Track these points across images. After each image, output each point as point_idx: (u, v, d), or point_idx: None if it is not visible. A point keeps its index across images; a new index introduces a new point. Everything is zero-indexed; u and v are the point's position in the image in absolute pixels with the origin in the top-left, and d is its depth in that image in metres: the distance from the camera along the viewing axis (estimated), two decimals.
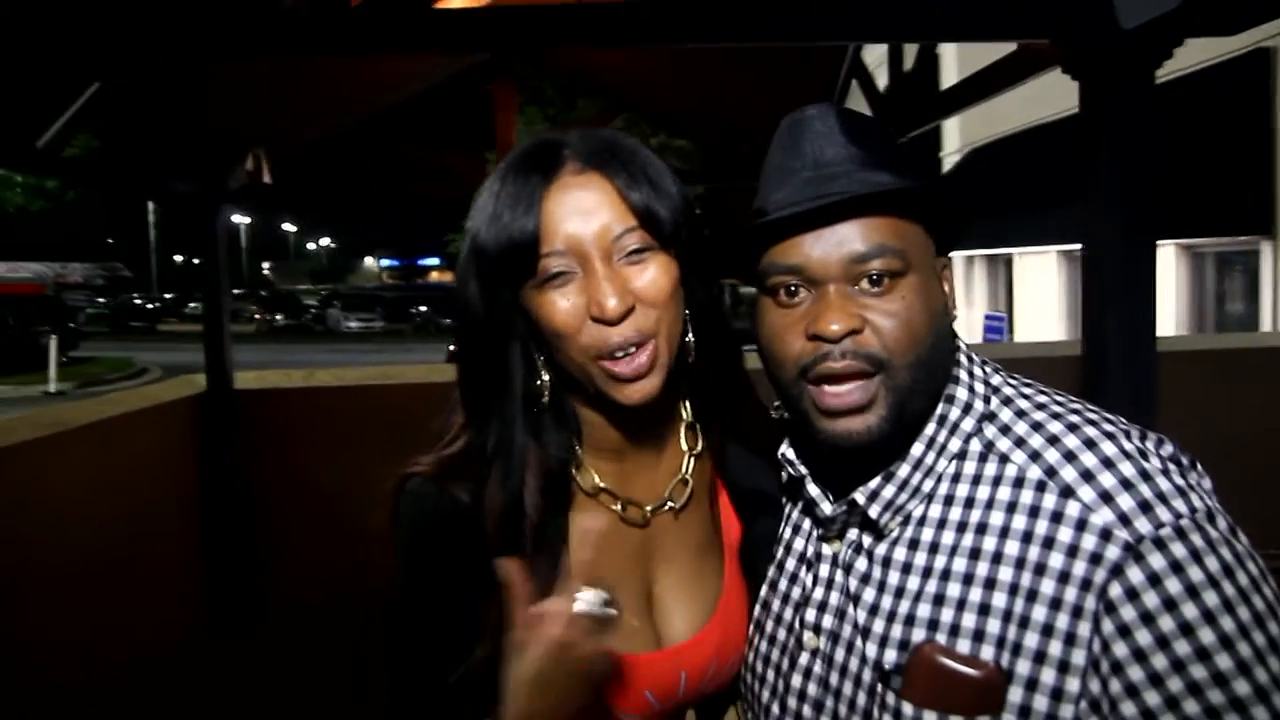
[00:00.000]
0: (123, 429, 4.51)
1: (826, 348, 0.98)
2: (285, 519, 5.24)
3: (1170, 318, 9.72)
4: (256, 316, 38.68)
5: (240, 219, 58.34)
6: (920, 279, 1.01)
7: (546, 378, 1.09)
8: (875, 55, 5.12)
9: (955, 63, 11.87)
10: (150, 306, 40.21)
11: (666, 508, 1.17)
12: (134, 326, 37.63)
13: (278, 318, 39.47)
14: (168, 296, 45.61)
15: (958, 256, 14.76)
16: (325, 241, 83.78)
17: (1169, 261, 9.68)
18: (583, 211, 1.01)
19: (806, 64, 4.93)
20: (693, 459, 1.20)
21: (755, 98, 4.75)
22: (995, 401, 1.05)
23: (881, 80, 4.48)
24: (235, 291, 44.57)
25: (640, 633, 1.13)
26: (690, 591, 1.18)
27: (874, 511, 1.03)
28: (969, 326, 14.35)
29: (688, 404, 1.21)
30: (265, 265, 76.27)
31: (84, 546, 3.92)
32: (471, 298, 1.06)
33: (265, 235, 75.72)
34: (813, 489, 1.10)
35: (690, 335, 1.12)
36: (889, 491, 1.03)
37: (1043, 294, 12.07)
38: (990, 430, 1.03)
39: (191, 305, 39.58)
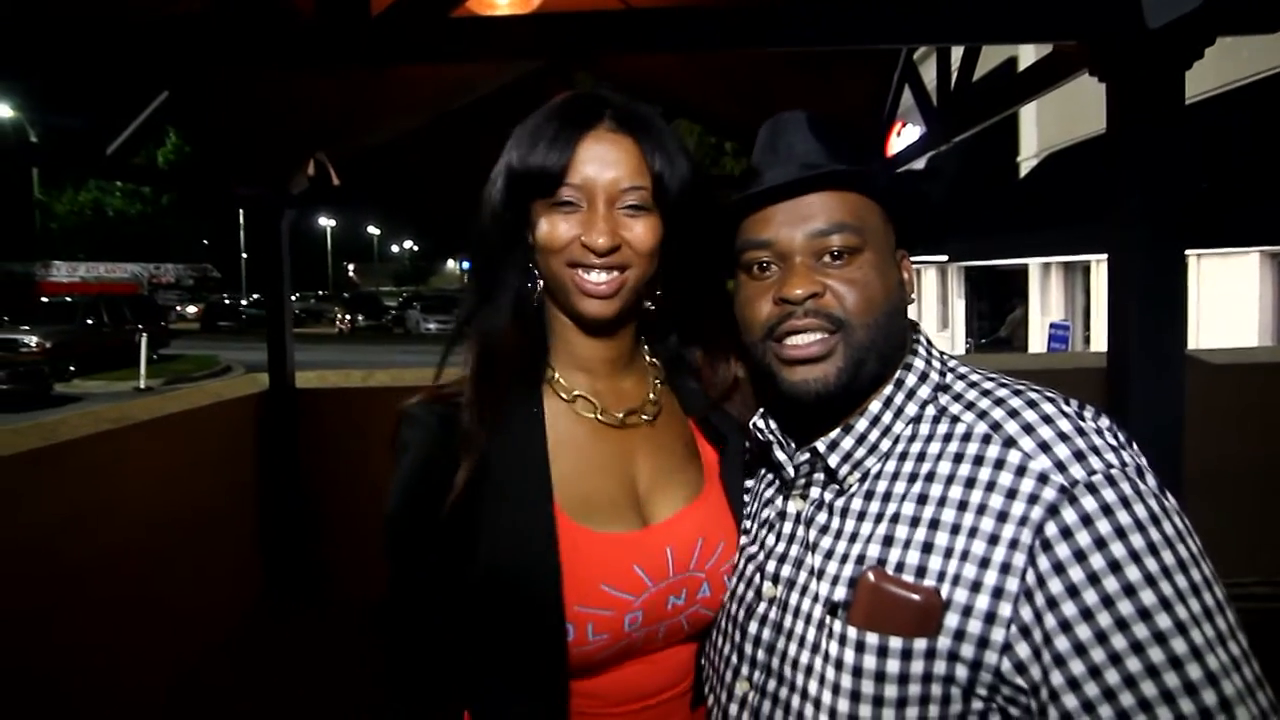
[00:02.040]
0: (186, 425, 4.68)
1: (790, 308, 1.11)
2: (340, 513, 5.36)
3: (1253, 327, 9.32)
4: (339, 321, 39.56)
5: (326, 222, 60.02)
6: (876, 257, 1.13)
7: (541, 283, 1.28)
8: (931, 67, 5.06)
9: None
10: (239, 306, 41.39)
11: (641, 418, 1.32)
12: (222, 326, 38.75)
13: (359, 319, 40.31)
14: (255, 296, 47.03)
15: (1034, 263, 14.42)
16: (408, 244, 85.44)
17: (1253, 269, 9.29)
18: (605, 161, 1.20)
19: (859, 68, 4.89)
20: (658, 383, 1.37)
21: (807, 102, 4.71)
22: (950, 376, 1.16)
23: (931, 83, 4.41)
24: (320, 293, 45.83)
25: (625, 515, 1.25)
26: (671, 483, 1.31)
27: (833, 461, 1.13)
28: (1044, 334, 14.00)
29: (647, 347, 1.40)
30: (350, 267, 78.08)
31: (146, 536, 4.09)
32: (495, 206, 1.25)
33: (351, 238, 77.61)
34: (780, 454, 1.20)
35: (659, 291, 1.31)
36: (848, 443, 1.13)
37: None
38: (944, 398, 1.13)
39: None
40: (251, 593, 5.30)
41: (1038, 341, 14.40)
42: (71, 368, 20.22)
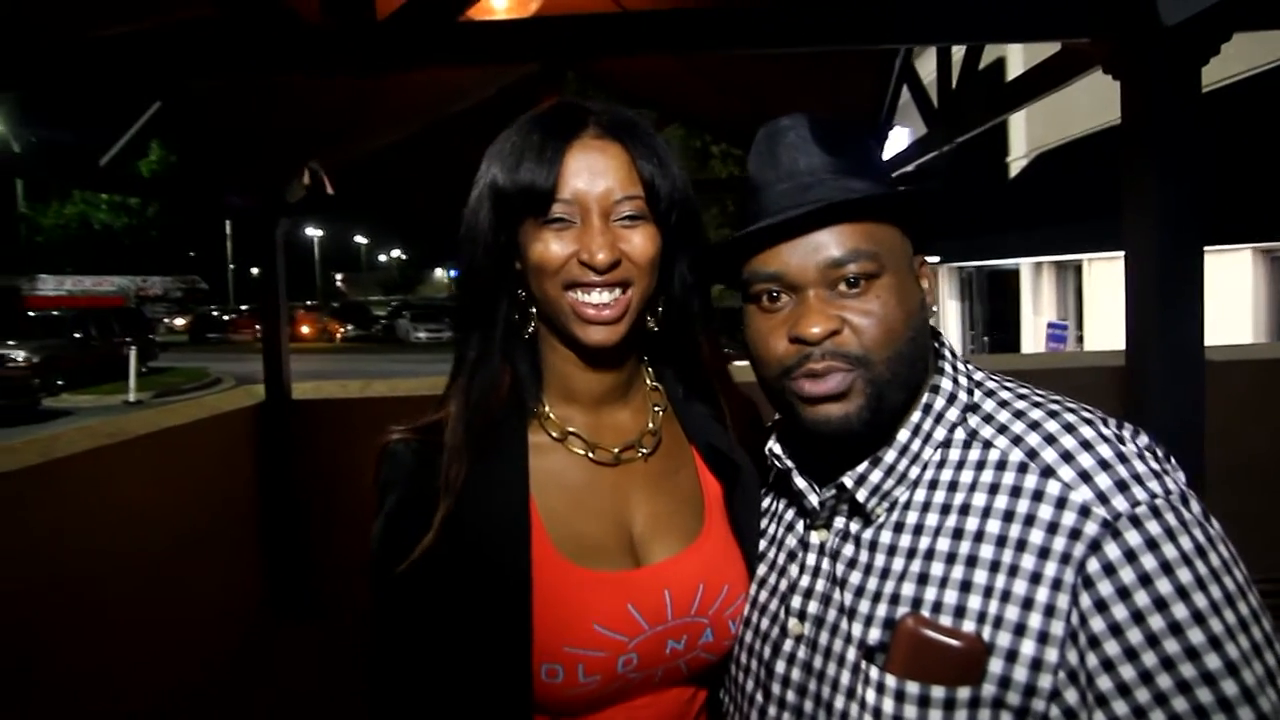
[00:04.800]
0: (184, 438, 4.64)
1: (808, 349, 1.03)
2: (339, 522, 5.31)
3: (1248, 323, 9.36)
4: (335, 330, 39.52)
5: (313, 232, 59.84)
6: (895, 279, 1.06)
7: (533, 310, 1.20)
8: (927, 62, 5.04)
9: (1020, 65, 11.65)
10: (226, 318, 41.26)
11: (637, 453, 1.24)
12: (210, 338, 38.63)
13: (348, 328, 40.21)
14: (243, 308, 46.81)
15: (1025, 263, 14.46)
16: (396, 253, 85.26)
17: (1245, 266, 9.33)
18: (594, 171, 1.13)
19: (857, 68, 4.87)
20: (660, 411, 1.29)
21: (802, 102, 4.70)
22: (979, 394, 1.10)
23: (931, 85, 4.40)
24: (309, 303, 45.69)
25: (618, 556, 1.18)
26: (669, 524, 1.23)
27: (861, 495, 1.07)
28: (1036, 333, 14.04)
29: (650, 369, 1.31)
30: (338, 277, 77.88)
31: (144, 550, 4.04)
32: (480, 231, 1.16)
33: (338, 248, 77.37)
34: (800, 481, 1.14)
35: (661, 308, 1.23)
36: (876, 476, 1.07)
37: (1114, 301, 11.70)
38: (974, 420, 1.07)
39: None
40: (251, 605, 5.24)
41: (1029, 341, 14.43)
42: (60, 382, 20.14)
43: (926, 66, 4.51)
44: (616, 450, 1.22)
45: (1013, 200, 13.85)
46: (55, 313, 25.33)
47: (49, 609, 3.38)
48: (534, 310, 1.20)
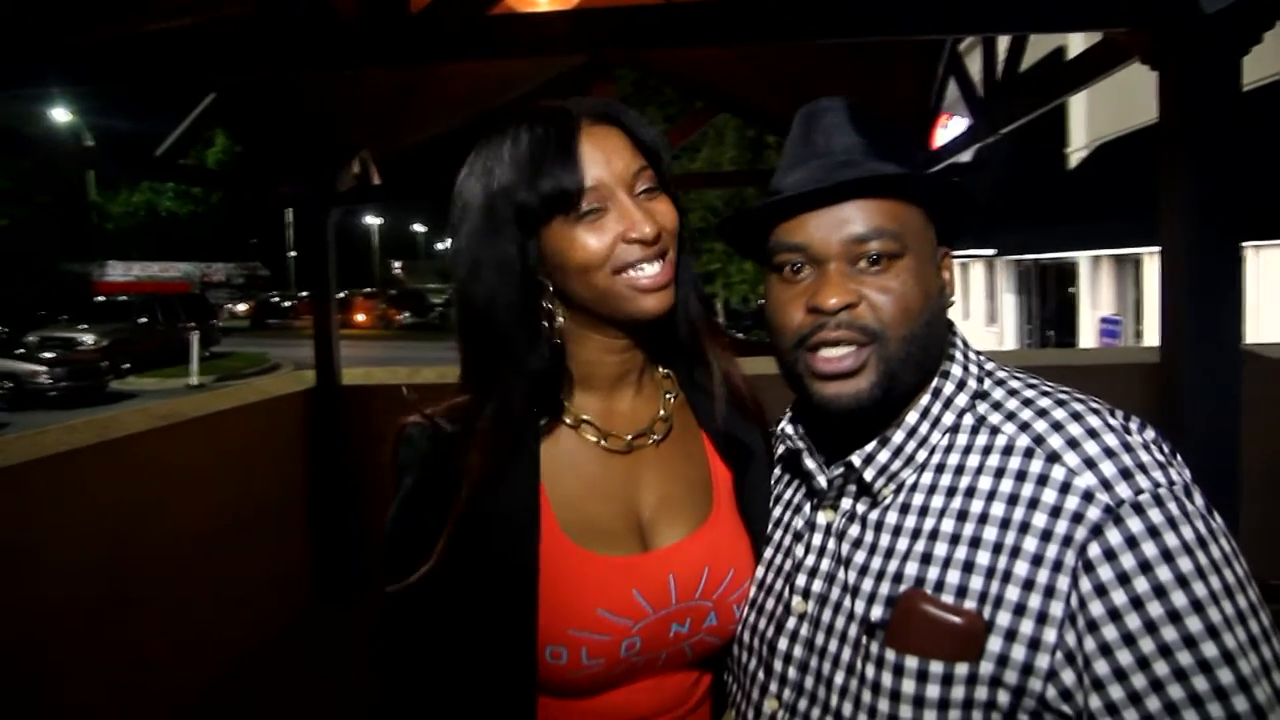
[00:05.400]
0: (235, 421, 4.77)
1: (823, 319, 1.05)
2: (385, 506, 5.42)
3: None
4: (393, 316, 40.12)
5: (372, 220, 60.67)
6: (916, 262, 1.07)
7: (560, 319, 1.18)
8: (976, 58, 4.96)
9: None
10: (286, 304, 42.08)
11: (649, 440, 1.25)
12: (270, 324, 39.40)
13: (405, 315, 40.72)
14: (303, 294, 47.70)
15: (1083, 257, 14.16)
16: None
17: None
18: (605, 153, 1.13)
19: (903, 59, 4.83)
20: (671, 398, 1.30)
21: (853, 94, 4.67)
22: (988, 382, 1.11)
23: (976, 74, 4.34)
24: (367, 290, 46.37)
25: (625, 540, 1.19)
26: (677, 509, 1.24)
27: (869, 475, 1.08)
28: (1094, 328, 13.75)
29: (660, 355, 1.31)
30: (396, 265, 78.81)
31: (196, 531, 4.17)
32: (501, 258, 1.14)
33: (397, 236, 78.29)
34: (809, 462, 1.16)
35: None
36: (884, 456, 1.08)
37: None
38: (982, 406, 1.08)
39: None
40: (301, 587, 5.37)
41: (1088, 336, 14.14)
42: (127, 365, 20.70)
43: (974, 64, 4.45)
44: (629, 437, 1.23)
45: (1072, 192, 13.55)
46: (123, 298, 26.09)
47: (100, 586, 3.50)
48: (560, 309, 1.18)
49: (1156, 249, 2.57)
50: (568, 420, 1.21)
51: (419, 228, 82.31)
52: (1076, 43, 12.12)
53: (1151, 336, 11.80)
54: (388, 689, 1.19)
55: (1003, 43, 3.91)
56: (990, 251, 15.68)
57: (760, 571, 1.23)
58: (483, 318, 1.16)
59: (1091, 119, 14.33)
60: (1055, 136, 15.23)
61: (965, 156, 5.45)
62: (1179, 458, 0.99)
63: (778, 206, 1.08)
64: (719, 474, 1.30)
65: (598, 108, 1.17)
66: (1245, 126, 2.27)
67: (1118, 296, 13.98)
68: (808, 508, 1.19)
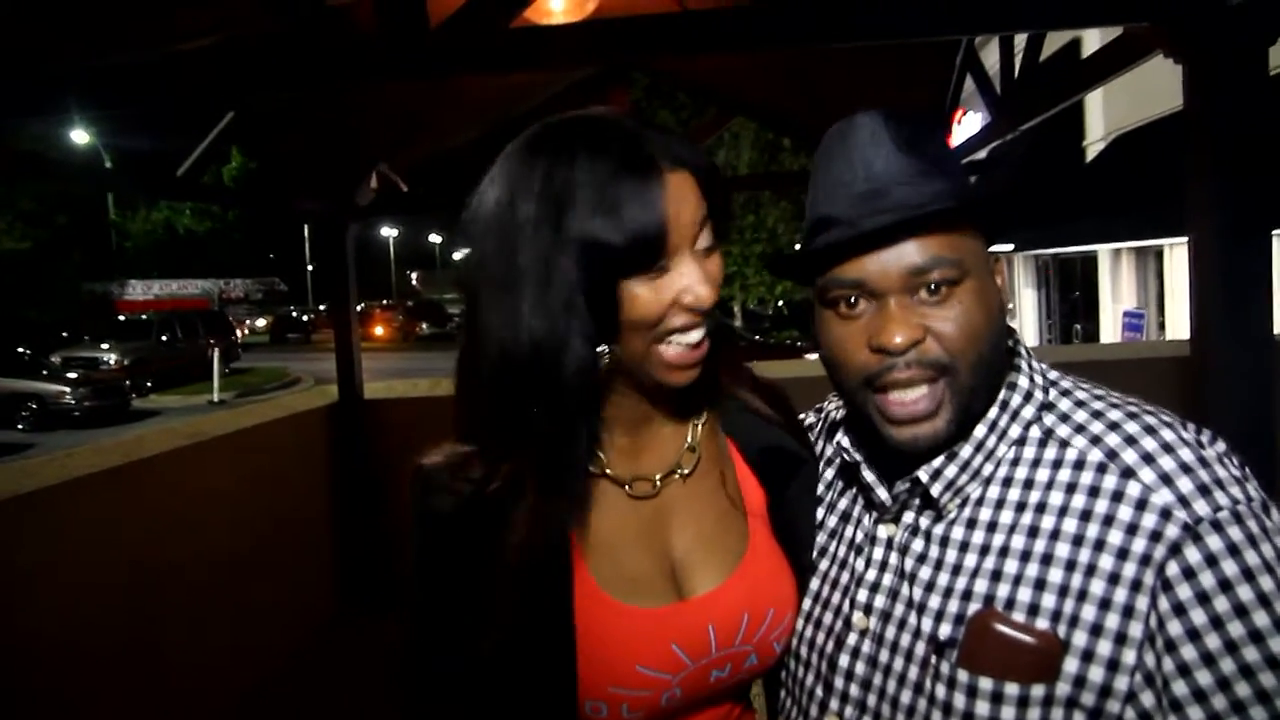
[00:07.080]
0: (259, 439, 4.81)
1: (891, 360, 1.01)
2: (409, 519, 5.44)
3: None
4: (412, 328, 40.36)
5: (388, 232, 61.00)
6: (977, 283, 1.03)
7: (606, 362, 1.05)
8: (991, 53, 4.92)
9: (1097, 46, 11.30)
10: (305, 319, 42.35)
11: (675, 476, 1.18)
12: (290, 338, 39.67)
13: (423, 327, 40.89)
14: (322, 308, 47.97)
15: (1103, 250, 14.05)
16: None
17: None
18: (680, 206, 1.00)
19: (920, 59, 4.80)
20: (699, 427, 1.21)
21: (865, 93, 4.65)
22: (1054, 393, 1.08)
23: (993, 69, 4.31)
24: (384, 302, 46.61)
25: (660, 589, 1.13)
26: (711, 550, 1.18)
27: (936, 490, 1.05)
28: (1116, 322, 13.63)
29: None
30: (413, 276, 79.16)
31: (222, 547, 4.20)
32: (557, 288, 0.98)
33: (413, 247, 78.70)
34: (869, 474, 1.13)
35: None
36: (951, 471, 1.05)
37: None
38: (1049, 418, 1.05)
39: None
40: (325, 603, 5.39)
41: (1109, 330, 14.02)
42: (149, 383, 20.88)
43: (991, 58, 4.42)
44: (658, 478, 1.16)
45: (1090, 185, 13.44)
46: (144, 316, 26.34)
47: (129, 603, 3.54)
48: (606, 359, 1.05)
49: (1178, 240, 2.53)
50: (592, 468, 1.12)
51: (435, 238, 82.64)
52: (1092, 35, 12.04)
53: (1175, 329, 11.68)
54: None
55: (1020, 39, 3.87)
56: (1008, 247, 15.57)
57: (815, 584, 1.20)
58: (528, 364, 1.01)
59: (1109, 110, 14.21)
60: (1073, 129, 15.11)
61: (981, 153, 5.41)
62: (1249, 470, 0.97)
63: (836, 250, 1.03)
64: (752, 498, 1.23)
65: (674, 150, 1.03)
66: (1274, 115, 2.23)
67: (1139, 289, 13.85)
68: (867, 520, 1.15)
